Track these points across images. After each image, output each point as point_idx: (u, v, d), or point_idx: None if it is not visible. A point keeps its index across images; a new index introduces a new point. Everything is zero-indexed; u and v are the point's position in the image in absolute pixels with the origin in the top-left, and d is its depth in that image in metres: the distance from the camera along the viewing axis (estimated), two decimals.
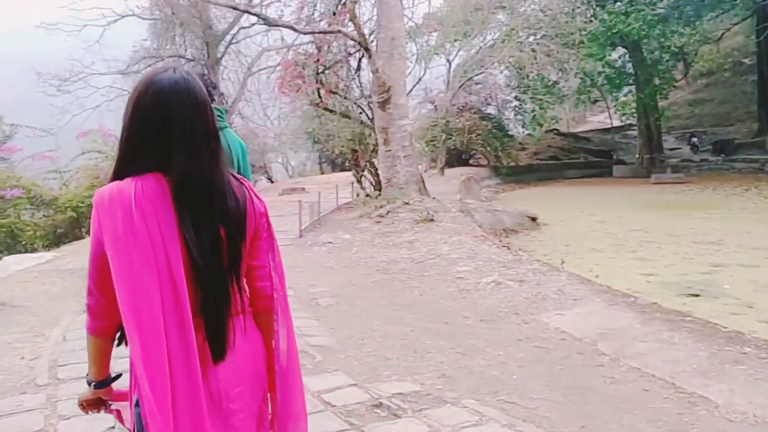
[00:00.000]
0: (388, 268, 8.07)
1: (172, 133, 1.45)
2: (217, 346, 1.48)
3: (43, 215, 12.88)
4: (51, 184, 13.60)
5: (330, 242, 10.15)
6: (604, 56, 28.05)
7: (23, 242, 12.06)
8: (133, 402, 1.49)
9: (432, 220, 10.89)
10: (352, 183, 17.05)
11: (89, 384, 1.57)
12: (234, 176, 1.57)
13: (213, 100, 3.12)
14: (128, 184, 1.42)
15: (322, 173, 34.08)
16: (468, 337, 5.12)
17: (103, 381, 1.57)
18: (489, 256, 8.19)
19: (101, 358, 1.54)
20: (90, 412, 1.65)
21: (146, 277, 1.37)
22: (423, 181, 14.59)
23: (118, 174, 1.47)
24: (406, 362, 4.50)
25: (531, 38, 23.73)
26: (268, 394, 1.64)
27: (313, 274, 7.91)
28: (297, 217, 11.51)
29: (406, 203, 12.29)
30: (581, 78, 29.35)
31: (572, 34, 23.29)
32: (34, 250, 11.53)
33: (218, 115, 2.99)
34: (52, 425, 3.36)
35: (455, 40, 24.67)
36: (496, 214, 15.00)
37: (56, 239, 12.76)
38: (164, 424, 1.35)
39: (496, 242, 9.64)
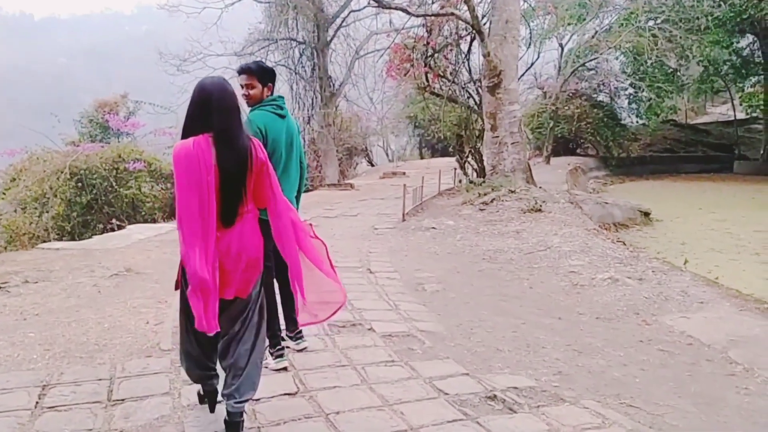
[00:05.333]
0: (494, 257, 7.88)
1: (212, 108, 2.68)
2: (226, 219, 2.71)
3: (162, 188, 13.57)
4: (170, 159, 14.29)
5: (433, 227, 10.05)
6: (731, 43, 26.05)
7: (143, 213, 12.79)
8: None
9: (540, 210, 10.53)
10: (455, 169, 16.83)
11: None
12: (247, 136, 2.76)
13: (274, 76, 3.89)
14: (189, 141, 2.64)
15: (421, 158, 33.98)
16: (584, 335, 4.89)
17: None
18: (603, 251, 7.79)
19: None
20: None
21: (194, 191, 2.59)
22: (530, 170, 14.17)
23: (185, 135, 2.69)
24: (518, 355, 4.35)
25: (651, 23, 22.33)
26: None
27: (418, 259, 7.86)
28: (399, 201, 11.50)
29: (512, 191, 11.98)
30: (704, 66, 27.36)
31: (697, 18, 21.74)
32: (153, 221, 12.21)
33: (274, 101, 3.79)
34: (177, 389, 3.50)
35: (569, 24, 23.66)
36: (606, 206, 14.33)
37: (172, 211, 13.46)
38: (190, 261, 2.60)
39: (609, 236, 9.17)
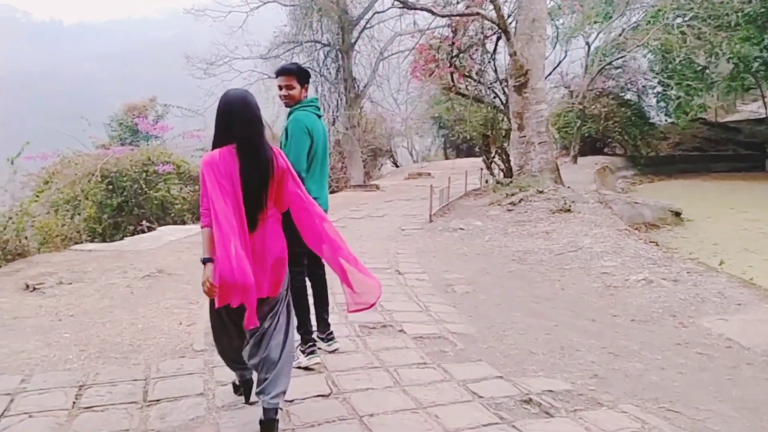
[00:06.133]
0: (524, 258, 7.79)
1: (234, 120, 2.83)
2: (251, 224, 2.84)
3: (190, 190, 13.67)
4: (198, 162, 14.41)
5: (461, 228, 9.98)
6: (763, 40, 25.40)
7: (172, 215, 12.90)
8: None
9: (569, 210, 10.39)
10: (481, 169, 16.70)
11: (203, 261, 2.82)
12: (269, 145, 2.90)
13: (310, 77, 4.01)
14: (216, 152, 2.82)
15: (446, 158, 33.84)
16: (619, 338, 4.80)
17: (209, 258, 2.80)
18: (636, 252, 7.65)
19: (209, 242, 2.80)
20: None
21: (225, 197, 2.73)
22: (558, 169, 14.00)
23: (214, 146, 2.86)
24: (552, 358, 4.28)
25: (679, 20, 21.93)
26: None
27: (446, 260, 7.80)
28: (424, 201, 11.44)
29: (540, 192, 11.83)
30: (734, 63, 26.76)
31: (727, 15, 21.26)
32: (183, 222, 12.31)
33: (313, 103, 3.92)
34: (211, 390, 3.51)
35: (595, 22, 23.35)
36: (636, 206, 14.08)
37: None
38: (226, 260, 2.67)
39: (641, 237, 9.00)
